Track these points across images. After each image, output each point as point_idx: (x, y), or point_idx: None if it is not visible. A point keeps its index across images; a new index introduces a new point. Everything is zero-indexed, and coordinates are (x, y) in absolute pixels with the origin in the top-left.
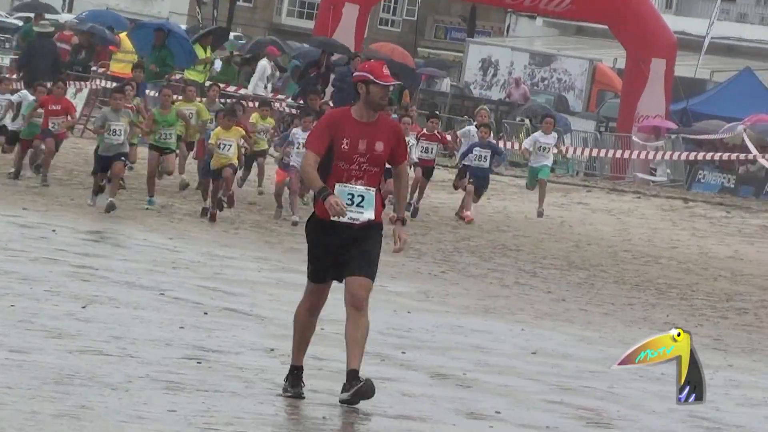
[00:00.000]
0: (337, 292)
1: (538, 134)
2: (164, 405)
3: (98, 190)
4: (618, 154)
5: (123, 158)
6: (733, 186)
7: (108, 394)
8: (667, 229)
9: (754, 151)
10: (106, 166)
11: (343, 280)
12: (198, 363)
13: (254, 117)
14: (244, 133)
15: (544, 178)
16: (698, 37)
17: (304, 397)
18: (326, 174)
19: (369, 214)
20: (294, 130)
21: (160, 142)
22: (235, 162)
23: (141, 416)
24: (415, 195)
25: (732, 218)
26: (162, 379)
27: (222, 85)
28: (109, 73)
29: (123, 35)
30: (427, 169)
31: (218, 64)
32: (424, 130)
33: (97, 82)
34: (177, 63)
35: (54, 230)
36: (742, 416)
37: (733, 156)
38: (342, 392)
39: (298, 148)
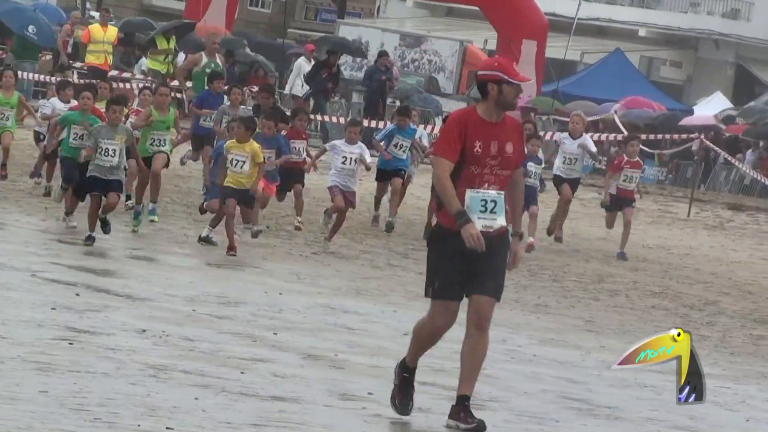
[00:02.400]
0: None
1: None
2: (36, 386)
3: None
4: None
5: (119, 189)
6: (604, 168)
7: None
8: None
9: (625, 132)
10: (94, 187)
11: (470, 296)
12: (70, 344)
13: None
14: (259, 158)
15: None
16: (569, 19)
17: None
18: (455, 179)
19: (501, 221)
20: (336, 142)
21: (151, 149)
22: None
23: (13, 397)
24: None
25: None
26: (34, 360)
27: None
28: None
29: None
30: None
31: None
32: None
33: None
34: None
35: None
36: (614, 397)
37: (611, 137)
38: (450, 418)
39: (343, 162)
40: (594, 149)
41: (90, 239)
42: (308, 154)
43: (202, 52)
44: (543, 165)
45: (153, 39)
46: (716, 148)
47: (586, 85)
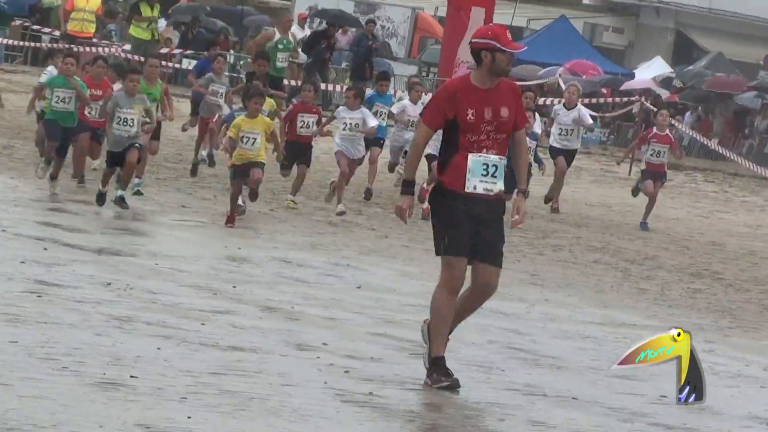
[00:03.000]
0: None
1: (559, 107)
2: (6, 336)
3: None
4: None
5: (138, 145)
6: (550, 129)
7: None
8: None
9: None
10: (117, 161)
11: (474, 262)
12: (38, 296)
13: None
14: (272, 126)
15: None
16: None
17: (459, 386)
18: (453, 147)
19: (500, 185)
20: (340, 108)
21: None
22: (264, 159)
23: None
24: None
25: (548, 160)
26: (3, 312)
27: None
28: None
29: None
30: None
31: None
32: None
33: None
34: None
35: None
36: (557, 348)
37: (555, 101)
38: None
39: (345, 128)
40: (590, 121)
41: (101, 198)
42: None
43: (275, 28)
44: (537, 142)
45: (137, 5)
46: (656, 110)
47: (532, 50)
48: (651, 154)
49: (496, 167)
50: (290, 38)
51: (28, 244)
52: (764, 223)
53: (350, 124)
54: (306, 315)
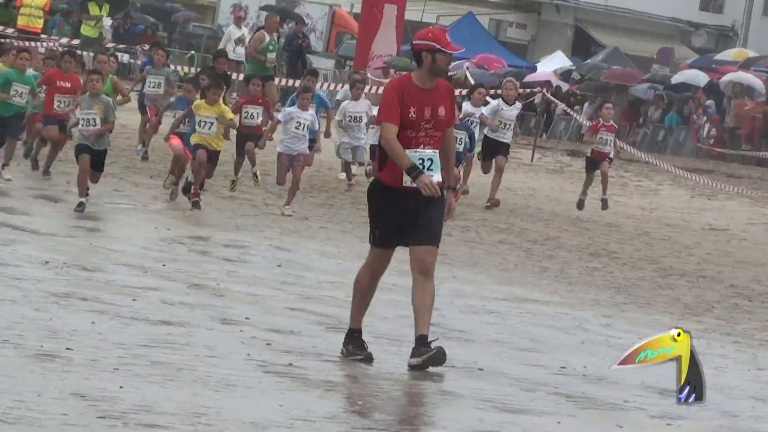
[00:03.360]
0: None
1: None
2: None
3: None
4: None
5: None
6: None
7: None
8: None
9: None
10: (81, 151)
11: (410, 247)
12: None
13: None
14: (229, 115)
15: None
16: None
17: (373, 359)
18: None
19: (438, 177)
20: (289, 109)
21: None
22: (220, 147)
23: None
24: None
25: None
26: None
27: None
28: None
29: None
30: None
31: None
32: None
33: None
34: None
35: None
36: (464, 322)
37: (463, 92)
38: (411, 357)
39: (296, 128)
40: None
41: (81, 206)
42: (271, 118)
43: (263, 31)
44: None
45: (85, 4)
46: (556, 101)
47: None
48: (599, 142)
49: (432, 160)
50: (275, 38)
51: None
52: (657, 205)
53: (303, 124)
54: (230, 291)
